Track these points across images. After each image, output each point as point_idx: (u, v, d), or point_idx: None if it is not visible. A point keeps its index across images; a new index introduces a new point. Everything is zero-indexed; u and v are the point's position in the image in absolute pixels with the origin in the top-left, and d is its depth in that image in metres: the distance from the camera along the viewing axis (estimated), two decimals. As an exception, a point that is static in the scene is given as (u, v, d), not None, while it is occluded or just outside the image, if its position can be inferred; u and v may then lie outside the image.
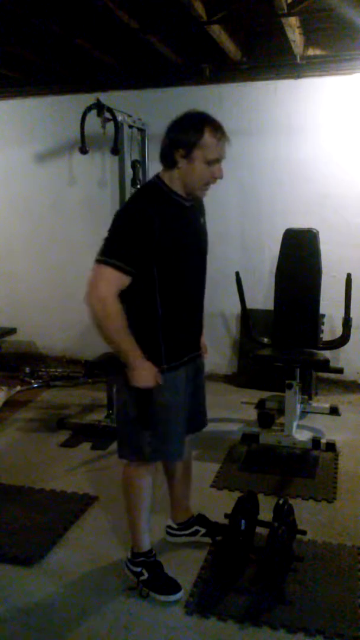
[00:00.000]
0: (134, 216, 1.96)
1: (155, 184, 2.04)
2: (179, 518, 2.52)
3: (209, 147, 1.91)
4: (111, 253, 1.92)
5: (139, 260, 1.93)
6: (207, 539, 2.49)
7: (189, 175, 1.96)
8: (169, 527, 2.53)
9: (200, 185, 1.99)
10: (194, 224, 2.13)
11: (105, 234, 2.00)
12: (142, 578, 2.21)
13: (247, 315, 3.86)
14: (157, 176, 2.04)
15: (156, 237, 1.90)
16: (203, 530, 2.50)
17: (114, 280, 1.91)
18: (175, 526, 2.52)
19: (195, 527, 2.51)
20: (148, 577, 2.21)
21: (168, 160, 1.97)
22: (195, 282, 2.15)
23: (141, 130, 4.31)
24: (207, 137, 1.90)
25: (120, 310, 1.92)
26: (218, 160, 1.96)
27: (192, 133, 1.91)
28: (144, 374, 2.00)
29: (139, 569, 2.23)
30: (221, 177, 2.00)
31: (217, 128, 1.93)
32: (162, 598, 2.16)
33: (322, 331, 4.16)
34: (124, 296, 1.94)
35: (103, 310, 1.89)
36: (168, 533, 2.53)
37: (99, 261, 1.92)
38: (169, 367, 2.07)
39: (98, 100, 3.89)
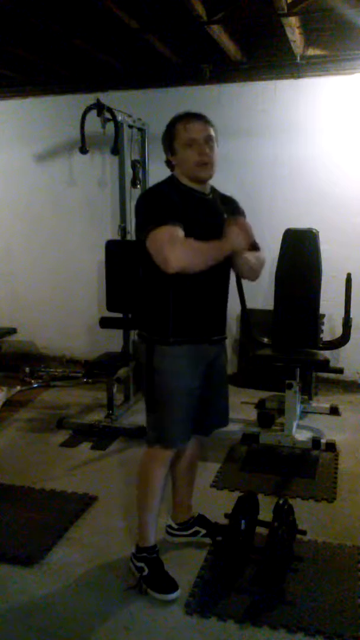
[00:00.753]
0: (155, 190, 2.14)
1: (171, 177, 2.17)
2: (180, 518, 2.52)
3: (180, 134, 2.06)
4: (152, 220, 1.98)
5: (178, 216, 1.97)
6: (208, 540, 2.49)
7: (181, 164, 2.09)
8: (169, 526, 2.53)
9: (193, 167, 2.07)
10: (213, 216, 2.15)
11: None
12: (143, 574, 2.22)
13: (247, 315, 3.86)
14: (171, 175, 2.17)
15: (179, 211, 1.98)
16: (203, 531, 2.50)
17: (168, 233, 1.93)
18: (175, 526, 2.52)
19: (196, 528, 2.51)
20: (148, 573, 2.21)
21: (169, 166, 2.17)
22: (216, 268, 2.10)
23: (141, 130, 4.31)
24: (177, 128, 2.08)
25: (191, 244, 1.95)
26: (194, 140, 2.05)
27: (167, 134, 2.12)
28: (233, 238, 2.02)
29: (141, 564, 2.24)
30: (204, 153, 2.06)
31: (183, 116, 2.09)
32: (159, 596, 2.17)
33: (322, 331, 4.16)
34: (146, 268, 2.03)
35: (187, 262, 1.93)
36: (168, 533, 2.53)
37: (149, 231, 1.96)
38: (175, 340, 2.09)
39: (98, 100, 3.89)
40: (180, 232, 1.96)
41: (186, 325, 2.12)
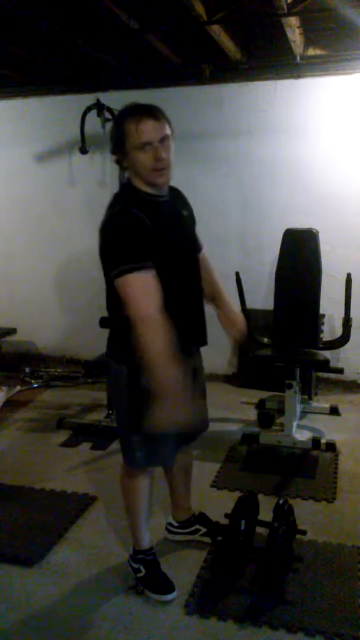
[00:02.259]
0: (125, 214, 1.88)
1: (127, 186, 2.01)
2: (180, 517, 2.52)
3: (131, 135, 1.84)
4: (129, 257, 1.80)
5: (150, 252, 1.82)
6: (207, 539, 2.49)
7: (135, 168, 1.91)
8: (170, 524, 2.53)
9: (149, 172, 1.88)
10: (177, 218, 2.05)
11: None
12: (139, 575, 2.22)
13: (247, 315, 3.84)
14: (128, 182, 2.01)
15: (152, 232, 1.85)
16: (203, 530, 2.50)
17: (152, 285, 1.79)
18: (175, 524, 2.53)
19: (196, 526, 2.51)
20: (145, 574, 2.21)
21: (119, 166, 1.98)
22: (187, 277, 2.05)
23: (141, 130, 4.30)
24: (127, 126, 1.85)
25: (166, 329, 1.77)
26: (149, 143, 1.84)
27: (115, 132, 1.90)
28: (169, 414, 1.76)
29: (137, 565, 2.24)
30: (161, 159, 1.86)
31: (135, 113, 1.85)
32: (156, 597, 2.17)
33: (322, 331, 4.16)
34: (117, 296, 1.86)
35: (149, 330, 1.77)
36: (168, 530, 2.53)
37: (120, 274, 1.79)
38: None
39: (98, 100, 3.89)
40: (155, 279, 1.79)
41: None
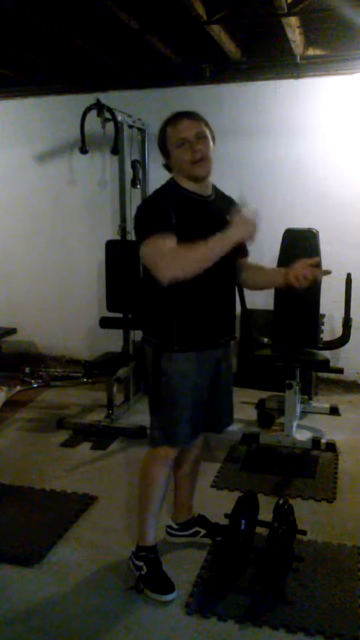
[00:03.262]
0: (150, 201, 2.14)
1: (168, 183, 2.14)
2: (180, 518, 2.52)
3: (171, 136, 2.05)
4: (148, 230, 1.97)
5: (173, 225, 1.96)
6: (207, 540, 2.49)
7: (177, 165, 2.08)
8: (169, 527, 2.53)
9: (188, 166, 2.04)
10: (215, 218, 2.09)
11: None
12: (141, 573, 2.23)
13: (247, 315, 3.85)
14: (170, 178, 2.15)
15: (174, 222, 1.97)
16: (203, 532, 2.51)
17: (164, 243, 1.92)
18: (175, 526, 2.52)
19: (196, 528, 2.52)
20: (146, 573, 2.22)
21: (166, 169, 2.17)
22: (217, 274, 2.08)
23: (141, 130, 4.31)
24: (168, 130, 2.07)
25: (179, 252, 1.92)
26: (185, 139, 2.02)
27: (160, 137, 2.11)
28: (238, 229, 1.95)
29: (140, 563, 2.24)
30: (197, 150, 2.02)
31: (172, 118, 2.07)
32: (155, 596, 2.17)
33: (322, 331, 4.16)
34: (148, 274, 1.98)
35: (179, 265, 1.90)
36: (168, 533, 2.53)
37: (147, 238, 1.95)
38: (180, 348, 2.08)
39: (98, 100, 3.89)
40: (170, 241, 1.93)
41: (191, 333, 2.10)
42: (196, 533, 2.51)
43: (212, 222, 2.04)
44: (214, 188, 2.18)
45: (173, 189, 2.09)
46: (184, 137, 2.02)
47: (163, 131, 2.08)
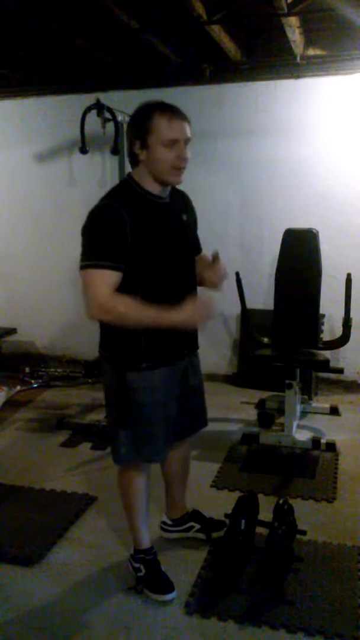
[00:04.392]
0: (103, 213, 1.92)
1: (124, 182, 2.02)
2: (174, 514, 2.52)
3: (161, 129, 1.85)
4: (92, 254, 1.89)
5: (122, 255, 1.87)
6: (202, 535, 2.49)
7: (152, 163, 1.90)
8: (163, 522, 2.53)
9: (168, 170, 1.90)
10: (174, 221, 2.05)
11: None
12: (139, 574, 2.23)
13: (247, 315, 3.86)
14: (128, 174, 2.01)
15: (129, 233, 1.86)
16: (197, 526, 2.50)
17: (105, 280, 1.86)
18: (169, 522, 2.52)
19: (190, 523, 2.51)
20: (145, 574, 2.22)
21: (131, 159, 1.96)
22: (180, 281, 2.05)
23: (141, 130, 4.30)
24: (157, 119, 1.85)
25: (123, 301, 1.86)
26: (176, 141, 1.87)
27: (142, 121, 1.88)
28: (189, 315, 1.87)
29: (138, 565, 2.24)
30: (184, 158, 1.90)
31: (166, 109, 1.88)
32: (155, 596, 2.17)
33: (322, 331, 4.16)
34: None
35: (112, 315, 1.87)
36: (162, 529, 2.53)
37: (86, 267, 1.89)
38: (148, 365, 2.00)
39: (98, 100, 3.89)
40: (109, 279, 1.85)
41: (159, 346, 2.01)
42: (190, 528, 2.51)
43: (167, 226, 2.00)
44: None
45: (130, 189, 1.95)
46: (175, 139, 1.87)
47: (148, 118, 1.86)
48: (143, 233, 1.89)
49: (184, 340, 2.12)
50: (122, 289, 1.91)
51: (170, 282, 2.01)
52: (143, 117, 1.88)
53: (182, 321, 1.89)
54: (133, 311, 1.87)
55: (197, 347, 2.22)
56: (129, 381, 2.01)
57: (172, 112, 1.88)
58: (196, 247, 2.23)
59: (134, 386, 2.01)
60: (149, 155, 1.89)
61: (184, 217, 2.11)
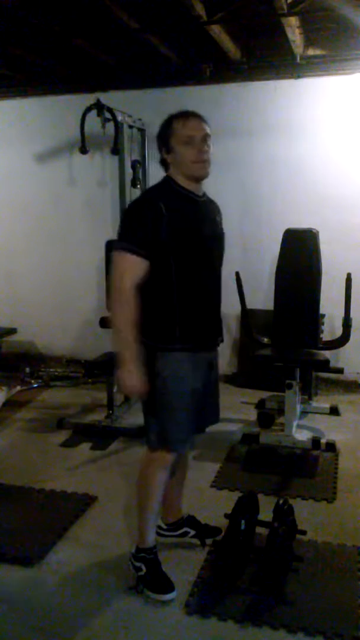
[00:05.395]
0: (142, 203, 2.14)
1: (164, 180, 2.16)
2: (170, 518, 2.51)
3: (178, 131, 2.06)
4: (128, 239, 2.03)
5: (154, 245, 2.01)
6: (197, 541, 2.49)
7: (178, 162, 2.08)
8: (158, 526, 2.51)
9: (192, 164, 2.07)
10: (209, 218, 2.21)
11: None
12: (140, 574, 2.22)
13: (247, 315, 3.86)
14: (166, 175, 2.16)
15: (166, 221, 2.00)
16: (193, 532, 2.50)
17: (136, 268, 2.00)
18: (164, 526, 2.51)
19: (185, 529, 2.50)
20: (146, 573, 2.21)
21: (163, 165, 2.16)
22: (212, 273, 2.21)
23: (141, 130, 4.31)
24: (174, 124, 2.07)
25: (136, 305, 2.00)
26: (193, 137, 2.05)
27: (164, 130, 2.11)
28: (132, 377, 2.02)
29: (139, 564, 2.24)
30: (203, 151, 2.06)
31: (181, 114, 2.08)
32: (155, 596, 2.17)
33: (322, 331, 4.16)
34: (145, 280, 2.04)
35: (121, 300, 2.00)
36: (157, 533, 2.51)
37: (118, 249, 2.03)
38: (181, 347, 2.09)
39: (98, 100, 3.89)
40: (144, 267, 2.00)
41: (192, 330, 2.12)
42: (185, 533, 2.50)
43: (202, 220, 2.16)
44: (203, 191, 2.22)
45: (169, 186, 2.12)
46: (192, 135, 2.04)
47: (168, 125, 2.09)
48: (180, 223, 2.04)
49: (212, 330, 2.24)
50: (159, 272, 2.04)
51: (203, 271, 2.15)
52: (164, 127, 2.11)
53: (124, 373, 2.03)
54: (126, 320, 2.00)
55: (222, 340, 2.33)
56: (157, 369, 2.09)
57: (187, 114, 2.09)
58: (223, 246, 2.36)
59: (162, 374, 2.09)
60: (174, 156, 2.09)
61: (217, 218, 2.28)
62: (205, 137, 2.07)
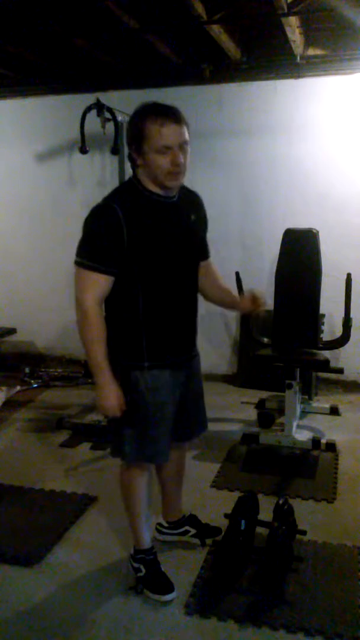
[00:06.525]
0: (101, 212, 1.93)
1: (128, 182, 2.02)
2: (170, 517, 2.51)
3: (152, 137, 1.84)
4: (88, 255, 1.92)
5: (116, 259, 1.89)
6: (197, 540, 2.49)
7: (148, 169, 1.90)
8: (159, 524, 2.53)
9: (164, 176, 1.89)
10: (180, 222, 2.03)
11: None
12: (139, 574, 2.22)
13: (247, 315, 3.85)
14: (133, 174, 2.00)
15: (125, 233, 1.86)
16: (193, 531, 2.50)
17: (98, 284, 1.91)
18: (165, 524, 2.52)
19: (186, 528, 2.50)
20: (145, 574, 2.21)
21: (131, 161, 1.97)
22: (182, 281, 2.06)
23: (141, 130, 4.30)
24: (149, 126, 1.84)
25: (102, 323, 1.94)
26: (169, 147, 1.84)
27: (135, 127, 1.89)
28: (109, 396, 1.95)
29: (138, 565, 2.24)
30: (178, 164, 1.87)
31: (158, 114, 1.84)
32: (155, 597, 2.17)
33: (322, 331, 4.16)
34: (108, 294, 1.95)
35: (84, 320, 1.94)
36: (158, 531, 2.52)
37: (78, 264, 1.93)
38: (150, 365, 2.01)
39: (98, 100, 3.89)
40: (108, 283, 1.91)
41: (161, 347, 2.02)
42: (185, 532, 2.50)
43: (171, 225, 2.00)
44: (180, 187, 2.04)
45: (134, 189, 1.95)
46: (168, 146, 1.84)
47: (141, 124, 1.85)
48: (143, 231, 1.90)
49: (183, 346, 2.14)
50: (124, 285, 1.94)
51: (172, 281, 2.01)
52: (136, 123, 1.89)
53: (100, 394, 1.96)
54: (92, 341, 1.95)
55: (196, 354, 2.23)
56: (132, 382, 2.02)
57: (165, 116, 1.84)
58: (203, 251, 2.22)
59: (138, 387, 2.02)
60: (145, 161, 1.90)
61: (192, 217, 2.10)
62: (182, 145, 1.87)
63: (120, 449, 2.11)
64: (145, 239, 1.91)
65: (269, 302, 3.93)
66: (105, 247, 1.89)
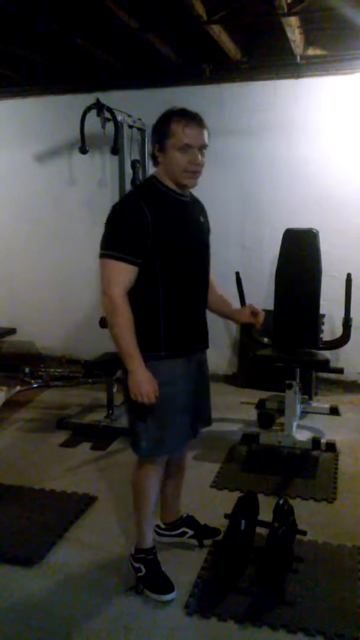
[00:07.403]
0: (127, 207, 2.03)
1: (148, 180, 2.12)
2: (168, 518, 2.51)
3: (176, 135, 1.97)
4: (116, 247, 1.97)
5: (141, 250, 1.97)
6: (195, 542, 2.49)
7: (168, 165, 2.02)
8: (157, 526, 2.51)
9: (180, 173, 2.01)
10: (194, 219, 2.15)
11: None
12: (139, 574, 2.23)
13: (247, 325, 3.84)
14: (152, 174, 2.11)
15: (151, 226, 1.95)
16: (191, 532, 2.50)
17: (124, 274, 1.96)
18: (162, 526, 2.52)
19: (183, 529, 2.50)
20: (145, 574, 2.22)
21: (153, 159, 2.09)
22: (198, 275, 2.16)
23: (141, 130, 4.31)
24: (173, 126, 1.98)
25: (130, 311, 1.98)
26: (190, 146, 1.98)
27: (161, 126, 2.02)
28: (143, 381, 1.98)
29: (138, 565, 2.24)
30: (197, 163, 2.00)
31: (182, 116, 1.99)
32: (155, 597, 2.17)
33: (322, 331, 4.16)
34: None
35: (113, 310, 1.96)
36: (155, 532, 2.51)
37: (104, 255, 1.98)
38: (167, 354, 2.06)
39: (98, 100, 3.89)
40: (133, 273, 1.96)
41: (178, 337, 2.08)
42: (183, 534, 2.50)
43: (189, 223, 2.11)
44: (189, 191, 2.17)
45: (154, 187, 2.07)
46: (189, 144, 1.97)
47: (166, 123, 1.99)
48: (166, 227, 1.99)
49: (199, 335, 2.21)
50: (144, 278, 2.00)
51: (189, 274, 2.10)
52: (162, 122, 2.02)
53: (133, 381, 1.99)
54: (123, 329, 1.97)
55: (207, 346, 2.29)
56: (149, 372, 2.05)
57: (190, 118, 1.99)
58: (209, 248, 2.29)
59: (156, 380, 2.04)
60: (165, 158, 2.02)
61: (201, 219, 2.21)
62: (202, 147, 2.01)
63: (137, 444, 2.15)
64: (169, 233, 2.00)
65: (269, 302, 3.99)
66: (132, 240, 1.96)
